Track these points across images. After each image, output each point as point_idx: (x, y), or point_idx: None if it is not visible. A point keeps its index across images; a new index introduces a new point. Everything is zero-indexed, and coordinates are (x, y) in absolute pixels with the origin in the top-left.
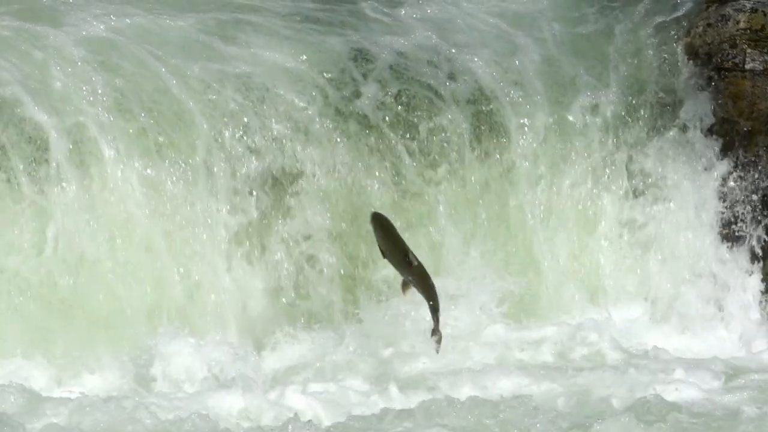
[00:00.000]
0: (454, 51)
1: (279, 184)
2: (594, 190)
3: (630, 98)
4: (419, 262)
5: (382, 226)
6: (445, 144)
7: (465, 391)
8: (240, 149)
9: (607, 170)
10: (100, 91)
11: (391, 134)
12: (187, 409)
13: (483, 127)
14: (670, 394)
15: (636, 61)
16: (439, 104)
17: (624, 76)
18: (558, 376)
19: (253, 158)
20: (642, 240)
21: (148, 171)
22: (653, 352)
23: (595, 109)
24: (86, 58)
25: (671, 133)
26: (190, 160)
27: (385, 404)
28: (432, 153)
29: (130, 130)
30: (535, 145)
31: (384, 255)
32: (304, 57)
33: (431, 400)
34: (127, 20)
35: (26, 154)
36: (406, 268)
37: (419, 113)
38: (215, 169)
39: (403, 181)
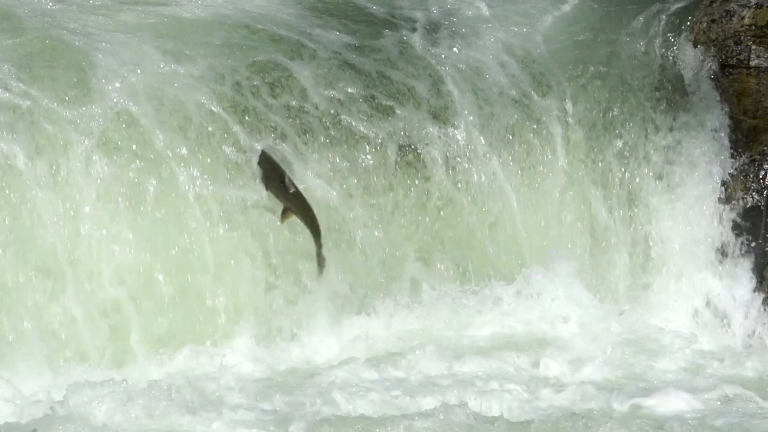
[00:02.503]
0: (490, 151)
1: None
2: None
3: (632, 97)
4: (297, 189)
5: (265, 160)
6: None
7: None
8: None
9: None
10: (125, 263)
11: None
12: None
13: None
14: (665, 405)
15: (638, 59)
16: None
17: (626, 75)
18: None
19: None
20: (643, 236)
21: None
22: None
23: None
24: (109, 183)
25: (674, 131)
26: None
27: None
28: None
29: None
30: None
31: (266, 187)
32: (347, 185)
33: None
34: (144, 74)
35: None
36: (284, 194)
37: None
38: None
39: None
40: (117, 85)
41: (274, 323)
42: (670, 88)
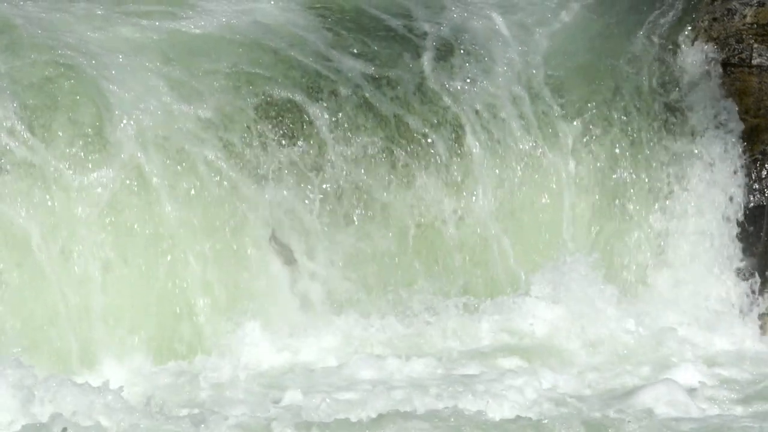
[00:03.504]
0: (502, 235)
1: None
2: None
3: (634, 95)
4: None
5: None
6: None
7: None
8: None
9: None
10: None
11: None
12: None
13: None
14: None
15: (640, 57)
16: None
17: (628, 72)
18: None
19: None
20: (647, 238)
21: None
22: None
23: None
24: (117, 270)
25: (676, 130)
26: None
27: None
28: None
29: None
30: None
31: None
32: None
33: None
34: (153, 117)
35: None
36: None
37: None
38: None
39: None
40: (130, 132)
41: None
42: (670, 87)
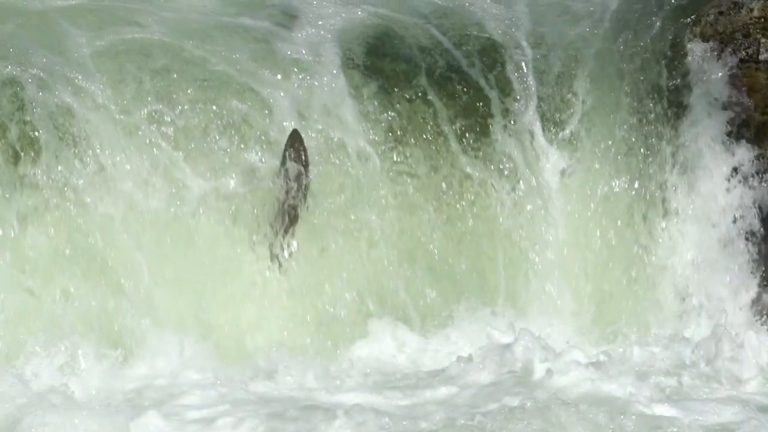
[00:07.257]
0: None
1: None
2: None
3: (636, 92)
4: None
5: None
6: None
7: None
8: None
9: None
10: None
11: None
12: None
13: None
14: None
15: (642, 53)
16: None
17: (630, 69)
18: None
19: None
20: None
21: None
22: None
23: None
24: None
25: (679, 129)
26: None
27: None
28: None
29: None
30: None
31: None
32: None
33: None
34: None
35: None
36: None
37: None
38: None
39: None
40: None
41: None
42: (675, 83)
